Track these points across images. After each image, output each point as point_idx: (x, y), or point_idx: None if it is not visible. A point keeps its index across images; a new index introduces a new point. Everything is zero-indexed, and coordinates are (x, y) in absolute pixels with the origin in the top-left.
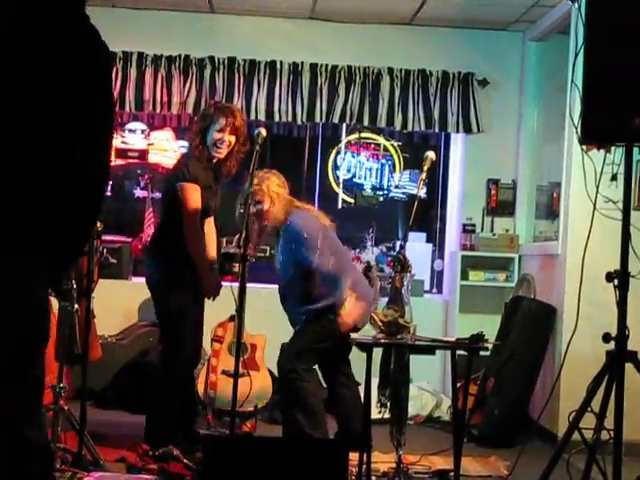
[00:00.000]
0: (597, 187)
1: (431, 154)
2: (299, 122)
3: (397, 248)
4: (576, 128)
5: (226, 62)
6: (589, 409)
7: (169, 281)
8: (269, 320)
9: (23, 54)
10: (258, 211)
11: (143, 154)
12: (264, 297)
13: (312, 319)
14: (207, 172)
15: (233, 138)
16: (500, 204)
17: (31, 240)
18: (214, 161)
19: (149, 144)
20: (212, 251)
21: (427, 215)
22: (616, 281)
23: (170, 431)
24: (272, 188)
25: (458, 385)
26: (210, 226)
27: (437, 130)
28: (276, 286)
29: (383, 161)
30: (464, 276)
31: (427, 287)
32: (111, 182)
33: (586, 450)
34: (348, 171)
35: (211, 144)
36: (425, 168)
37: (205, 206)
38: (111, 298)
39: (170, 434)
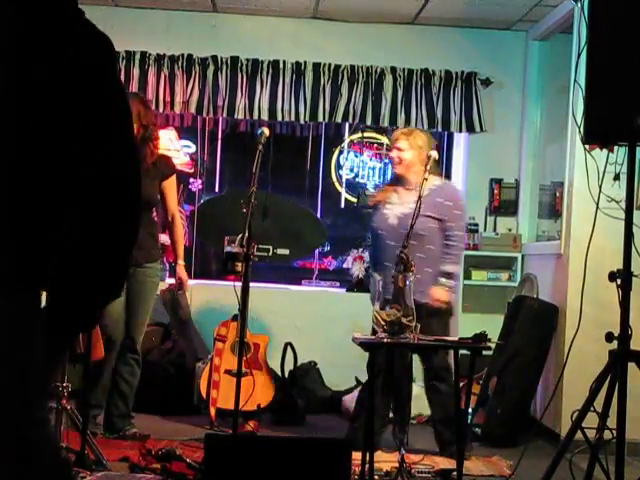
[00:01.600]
0: (600, 186)
1: (434, 153)
2: (302, 121)
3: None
4: (579, 127)
5: (229, 61)
6: (592, 409)
7: None
8: (272, 320)
9: (18, 62)
10: (399, 157)
11: None
12: (267, 297)
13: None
14: None
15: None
16: (503, 203)
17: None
18: None
19: None
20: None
21: None
22: (619, 280)
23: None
24: (417, 142)
25: (461, 384)
26: (174, 224)
27: (440, 129)
28: (278, 286)
29: (386, 160)
30: (467, 275)
31: None
32: None
33: (589, 450)
34: (351, 170)
35: None
36: (428, 167)
37: None
38: None
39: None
